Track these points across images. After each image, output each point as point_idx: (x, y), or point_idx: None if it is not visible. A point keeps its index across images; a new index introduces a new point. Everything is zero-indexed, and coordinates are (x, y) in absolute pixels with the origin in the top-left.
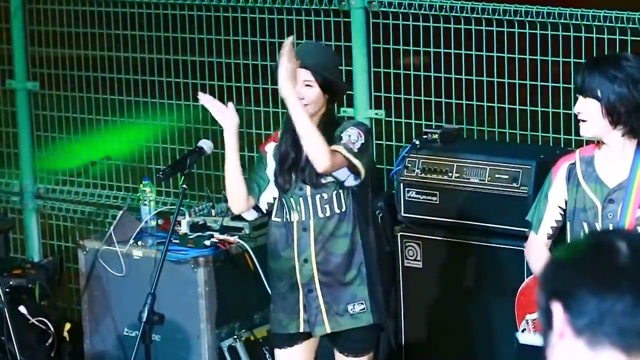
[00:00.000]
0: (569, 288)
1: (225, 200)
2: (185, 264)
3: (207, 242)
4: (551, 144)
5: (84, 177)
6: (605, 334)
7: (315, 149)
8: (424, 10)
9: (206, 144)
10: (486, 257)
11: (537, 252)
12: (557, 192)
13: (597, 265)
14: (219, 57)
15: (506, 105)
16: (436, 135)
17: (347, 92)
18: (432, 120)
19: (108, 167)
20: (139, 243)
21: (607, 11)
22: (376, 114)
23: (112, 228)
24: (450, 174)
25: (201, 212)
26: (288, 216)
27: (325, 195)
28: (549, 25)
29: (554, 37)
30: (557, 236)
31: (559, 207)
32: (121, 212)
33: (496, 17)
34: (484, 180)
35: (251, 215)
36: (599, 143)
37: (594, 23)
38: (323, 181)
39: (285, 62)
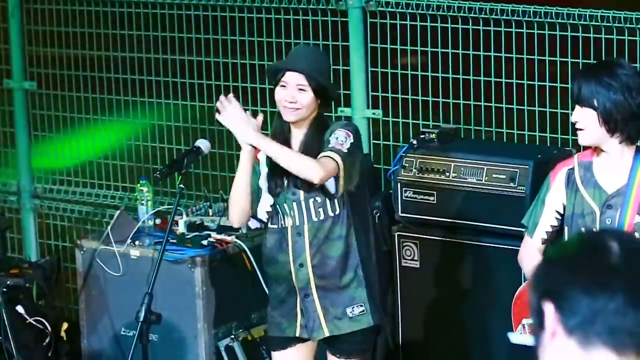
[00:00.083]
0: (561, 287)
1: (223, 200)
2: (182, 263)
3: (205, 242)
4: (548, 144)
5: (81, 176)
6: (597, 333)
7: (304, 168)
8: (421, 10)
9: (203, 144)
10: (483, 256)
11: (530, 257)
12: (555, 196)
13: (589, 264)
14: (217, 57)
15: (503, 105)
16: (433, 135)
17: (346, 92)
18: (430, 120)
19: (105, 167)
20: (137, 243)
21: (604, 11)
22: (373, 113)
23: (109, 228)
24: (447, 174)
25: (198, 212)
26: (283, 221)
27: (318, 199)
28: (546, 25)
29: (551, 36)
30: (553, 241)
31: (556, 211)
32: (118, 211)
33: (493, 17)
34: (482, 180)
35: (253, 224)
36: (597, 149)
37: (592, 23)
38: (315, 185)
39: (231, 111)
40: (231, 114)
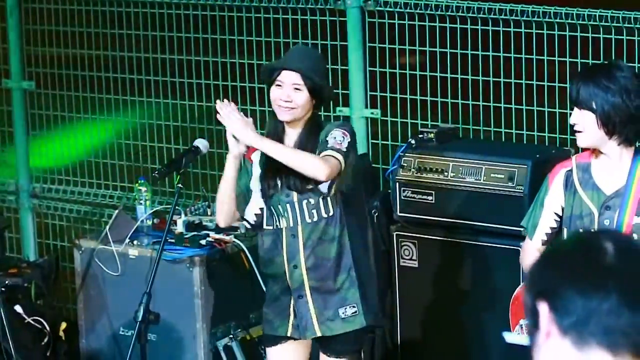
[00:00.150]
0: (555, 287)
1: None
2: (181, 263)
3: (203, 242)
4: (547, 144)
5: (80, 176)
6: (591, 333)
7: (309, 166)
8: (419, 10)
9: (202, 143)
10: (482, 256)
11: (531, 259)
12: (553, 198)
13: (584, 265)
14: (215, 57)
15: (502, 105)
16: (432, 135)
17: (344, 91)
18: (428, 119)
19: (104, 167)
20: (135, 242)
21: (602, 11)
22: (372, 113)
23: (107, 227)
24: (446, 174)
25: (197, 212)
26: (277, 223)
27: (312, 201)
28: (544, 24)
29: (549, 36)
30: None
31: (555, 213)
32: (117, 211)
33: (492, 16)
34: (480, 180)
35: (244, 227)
36: (595, 150)
37: (590, 22)
38: (308, 187)
39: (230, 116)
40: (229, 116)
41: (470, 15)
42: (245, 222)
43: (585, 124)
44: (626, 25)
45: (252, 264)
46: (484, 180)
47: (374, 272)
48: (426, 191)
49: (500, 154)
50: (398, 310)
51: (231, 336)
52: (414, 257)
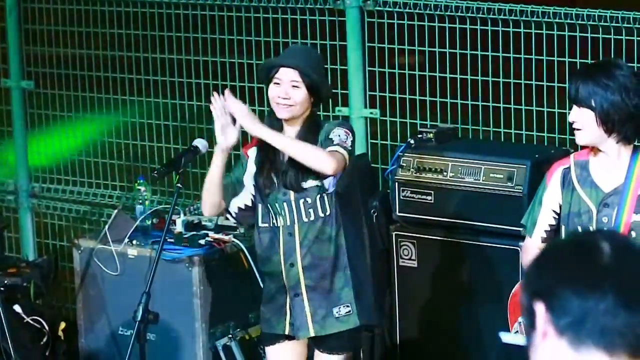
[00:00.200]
0: (552, 287)
1: None
2: (180, 263)
3: (202, 241)
4: (546, 144)
5: (79, 176)
6: (588, 333)
7: (316, 159)
8: (418, 10)
9: (201, 143)
10: (481, 256)
11: (531, 256)
12: (551, 196)
13: (580, 265)
14: (214, 56)
15: (501, 105)
16: (431, 135)
17: (343, 91)
18: (427, 119)
19: (103, 166)
20: (134, 242)
21: (601, 11)
22: (371, 113)
23: (107, 227)
24: (445, 174)
25: (196, 211)
26: (275, 221)
27: (309, 200)
28: (543, 24)
29: (548, 36)
30: (552, 240)
31: (553, 211)
32: (116, 211)
33: (491, 16)
34: (479, 180)
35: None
36: (594, 148)
37: (589, 22)
38: (304, 186)
39: (233, 105)
40: (236, 107)
41: (469, 15)
42: (227, 214)
43: (584, 122)
44: (625, 25)
45: (252, 264)
46: (483, 180)
47: (370, 272)
48: (425, 191)
49: (500, 154)
50: (397, 310)
51: (230, 336)
52: (413, 257)
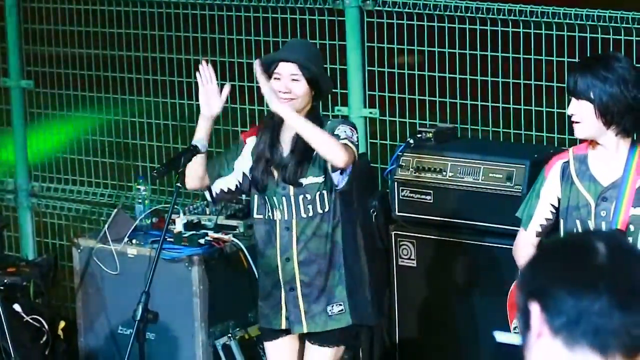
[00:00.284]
0: (547, 288)
1: None
2: (179, 262)
3: (202, 241)
4: (545, 143)
5: (78, 175)
6: (582, 334)
7: (329, 148)
8: (418, 10)
9: (200, 143)
10: (480, 256)
11: (524, 250)
12: (550, 189)
13: (575, 265)
14: (214, 56)
15: (500, 105)
16: (430, 134)
17: (342, 91)
18: (426, 119)
19: (102, 165)
20: (134, 241)
21: (600, 11)
22: (370, 112)
23: (106, 226)
24: (444, 173)
25: (195, 211)
26: (271, 214)
27: (308, 196)
28: (543, 24)
29: (547, 36)
30: (547, 234)
31: (551, 204)
32: (115, 210)
33: (490, 16)
34: (478, 180)
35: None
36: (592, 142)
37: (588, 22)
38: (303, 182)
39: (265, 83)
40: (265, 88)
41: (468, 15)
42: (207, 192)
43: (583, 115)
44: (624, 25)
45: (251, 263)
46: (482, 180)
47: (366, 272)
48: (424, 191)
49: (499, 153)
50: (396, 310)
51: (230, 335)
52: (413, 257)
